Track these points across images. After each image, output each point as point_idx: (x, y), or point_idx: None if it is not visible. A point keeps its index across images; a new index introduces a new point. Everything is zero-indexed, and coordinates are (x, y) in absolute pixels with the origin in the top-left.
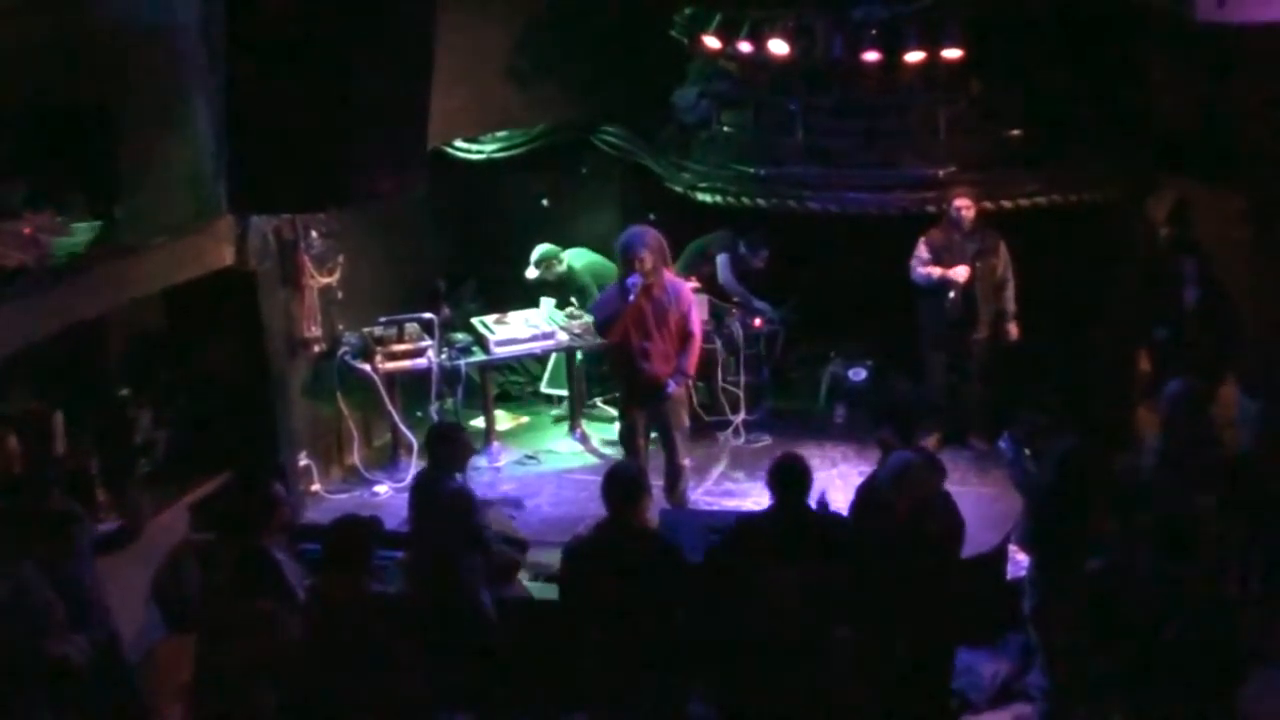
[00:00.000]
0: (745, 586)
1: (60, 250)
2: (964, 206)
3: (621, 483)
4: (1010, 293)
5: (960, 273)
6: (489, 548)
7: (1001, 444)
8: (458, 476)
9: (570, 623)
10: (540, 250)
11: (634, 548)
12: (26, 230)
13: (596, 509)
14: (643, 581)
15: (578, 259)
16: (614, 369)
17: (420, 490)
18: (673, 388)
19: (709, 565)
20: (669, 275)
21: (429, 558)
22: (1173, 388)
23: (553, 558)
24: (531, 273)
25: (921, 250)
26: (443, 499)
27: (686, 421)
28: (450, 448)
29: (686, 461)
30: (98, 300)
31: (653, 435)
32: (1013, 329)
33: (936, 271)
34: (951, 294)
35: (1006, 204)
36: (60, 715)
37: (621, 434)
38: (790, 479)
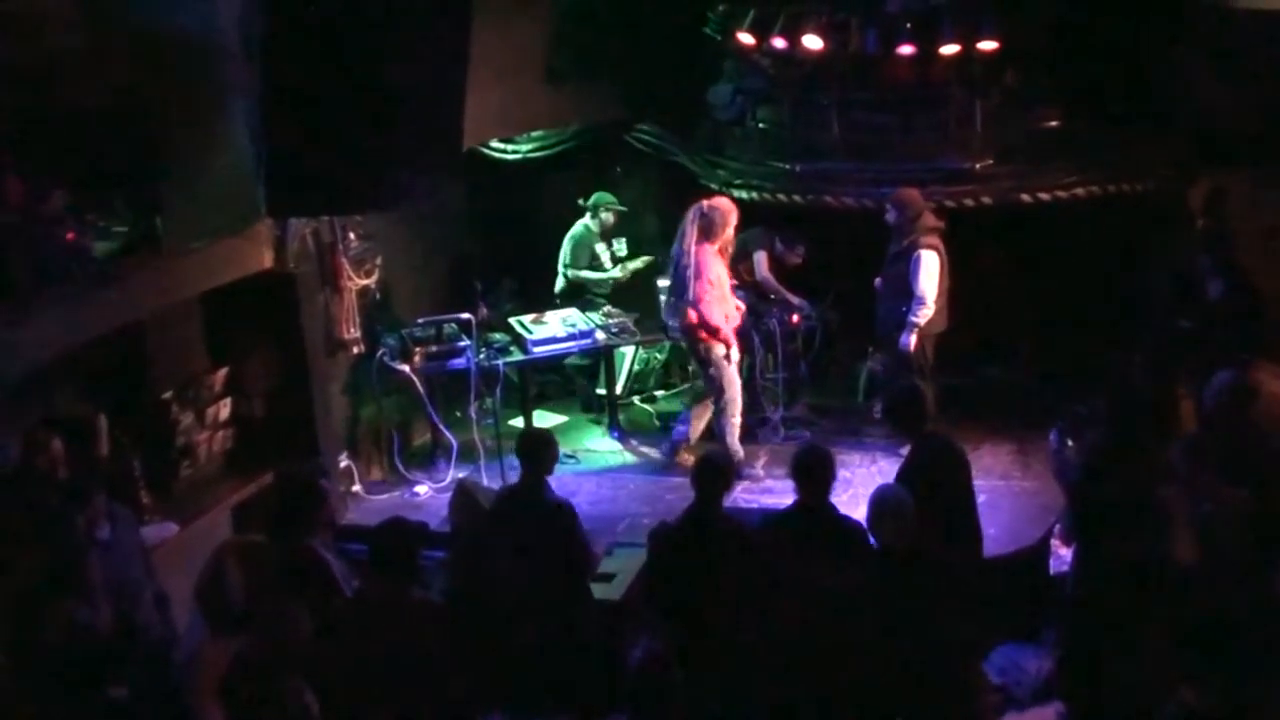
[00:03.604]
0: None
1: (102, 255)
2: (886, 210)
3: (715, 469)
4: (919, 305)
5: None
6: (591, 568)
7: (1050, 436)
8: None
9: (657, 609)
10: (598, 196)
11: (720, 534)
12: (69, 235)
13: (636, 507)
14: (727, 570)
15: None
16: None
17: (515, 499)
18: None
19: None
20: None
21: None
22: (1220, 379)
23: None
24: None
25: None
26: (544, 512)
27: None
28: (551, 451)
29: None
30: (139, 304)
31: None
32: (908, 339)
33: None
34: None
35: (1045, 196)
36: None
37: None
38: (810, 472)
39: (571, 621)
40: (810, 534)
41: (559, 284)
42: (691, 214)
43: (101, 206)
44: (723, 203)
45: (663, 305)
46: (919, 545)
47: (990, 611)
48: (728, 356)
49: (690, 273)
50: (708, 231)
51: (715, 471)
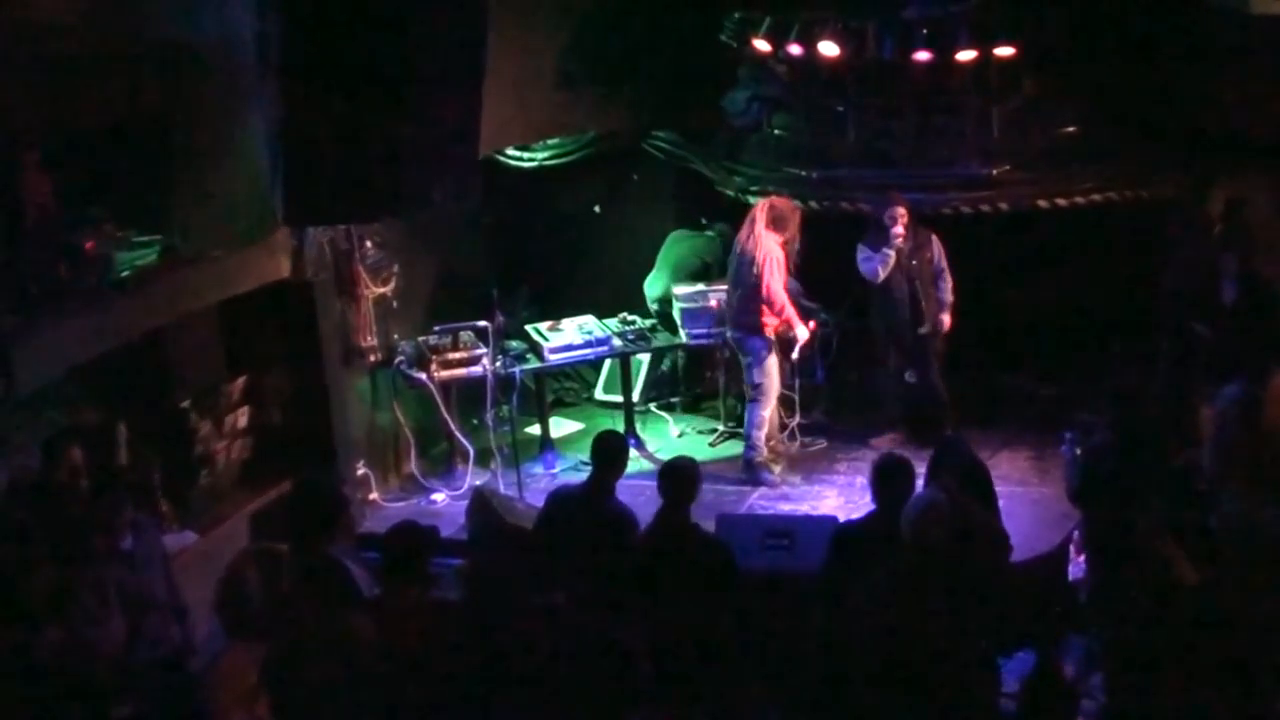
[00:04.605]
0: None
1: (121, 264)
2: (900, 216)
3: (677, 476)
4: (946, 283)
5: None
6: None
7: (1063, 448)
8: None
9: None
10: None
11: (684, 543)
12: (88, 245)
13: (652, 513)
14: (695, 579)
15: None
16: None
17: (579, 500)
18: None
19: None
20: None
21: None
22: (1228, 392)
23: None
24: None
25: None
26: (607, 517)
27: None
28: (625, 457)
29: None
30: (158, 313)
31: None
32: (945, 319)
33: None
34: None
35: (1062, 202)
36: None
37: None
38: (887, 480)
39: (613, 629)
40: (889, 540)
41: (660, 287)
42: (760, 208)
43: (120, 216)
44: (788, 201)
45: (680, 311)
46: (950, 548)
47: (1009, 617)
48: (794, 337)
49: (758, 257)
50: (777, 223)
51: (678, 478)
